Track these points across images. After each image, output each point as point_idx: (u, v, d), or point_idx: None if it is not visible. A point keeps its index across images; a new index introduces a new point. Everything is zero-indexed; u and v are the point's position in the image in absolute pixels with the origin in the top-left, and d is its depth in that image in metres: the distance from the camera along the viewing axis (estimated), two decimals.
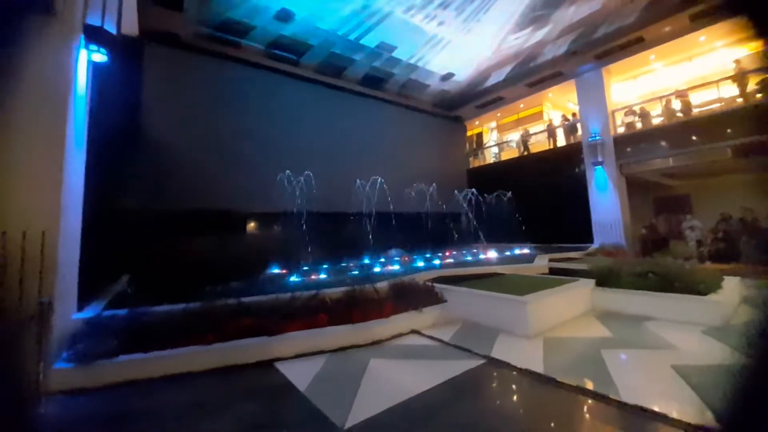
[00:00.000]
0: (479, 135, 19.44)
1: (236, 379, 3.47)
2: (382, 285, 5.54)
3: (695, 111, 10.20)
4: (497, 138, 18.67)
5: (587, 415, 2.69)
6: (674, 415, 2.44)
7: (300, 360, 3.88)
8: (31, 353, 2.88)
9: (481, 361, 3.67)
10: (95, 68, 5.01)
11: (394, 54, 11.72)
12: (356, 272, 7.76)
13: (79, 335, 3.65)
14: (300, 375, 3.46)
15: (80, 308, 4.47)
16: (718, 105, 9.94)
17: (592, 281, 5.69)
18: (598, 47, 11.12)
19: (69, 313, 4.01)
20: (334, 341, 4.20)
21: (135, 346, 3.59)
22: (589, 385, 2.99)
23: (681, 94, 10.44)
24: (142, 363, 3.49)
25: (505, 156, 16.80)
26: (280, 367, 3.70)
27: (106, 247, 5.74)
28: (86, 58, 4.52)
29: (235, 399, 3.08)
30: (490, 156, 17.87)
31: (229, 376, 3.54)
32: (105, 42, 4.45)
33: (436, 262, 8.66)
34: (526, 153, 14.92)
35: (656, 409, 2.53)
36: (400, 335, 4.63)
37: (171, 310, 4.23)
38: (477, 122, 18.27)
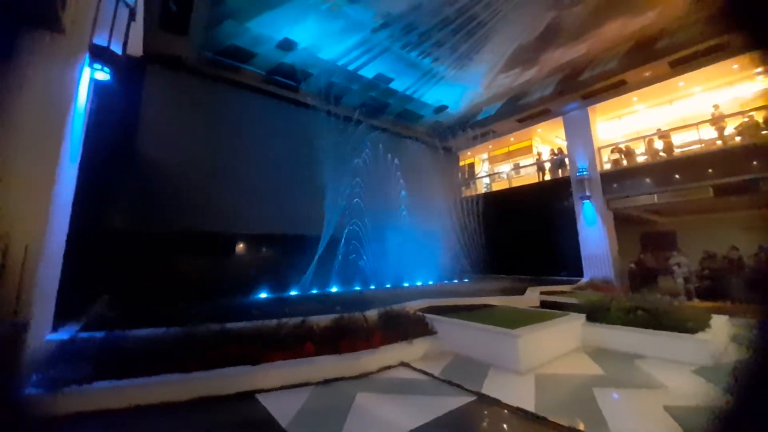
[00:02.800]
0: (471, 165, 19.88)
1: (215, 412, 3.28)
2: (372, 313, 5.43)
3: (677, 151, 10.66)
4: (488, 169, 19.10)
5: None
6: None
7: (283, 392, 3.71)
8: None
9: (472, 398, 3.56)
10: (96, 85, 5.07)
11: (391, 85, 12.15)
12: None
13: (52, 359, 3.45)
14: (282, 409, 3.30)
15: (55, 328, 4.28)
16: (698, 146, 10.42)
17: (583, 316, 5.68)
18: (584, 88, 11.66)
19: (43, 334, 3.82)
20: (321, 372, 4.04)
21: (110, 371, 3.38)
22: (581, 426, 2.92)
23: (663, 135, 10.94)
24: (116, 391, 3.28)
25: (496, 186, 17.13)
26: (262, 399, 3.53)
27: (88, 265, 5.57)
28: (89, 76, 4.58)
29: None
30: (482, 186, 18.19)
31: (207, 407, 3.35)
32: (109, 62, 4.53)
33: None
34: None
35: None
36: (389, 367, 4.49)
37: (151, 334, 4.06)
38: (469, 153, 18.72)
